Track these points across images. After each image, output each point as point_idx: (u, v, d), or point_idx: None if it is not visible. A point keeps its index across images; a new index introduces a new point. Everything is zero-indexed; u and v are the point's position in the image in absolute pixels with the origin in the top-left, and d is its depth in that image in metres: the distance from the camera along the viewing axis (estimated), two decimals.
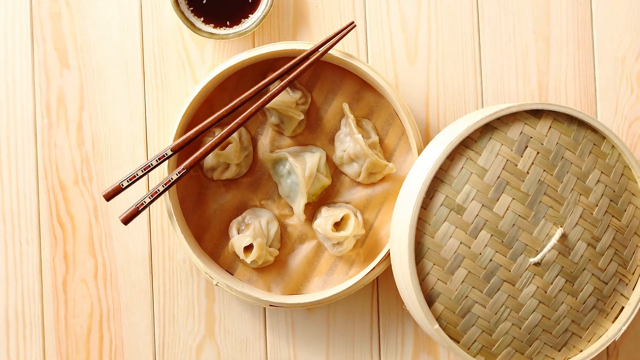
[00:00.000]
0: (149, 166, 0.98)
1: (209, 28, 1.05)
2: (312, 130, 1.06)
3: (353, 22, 1.01)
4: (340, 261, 1.06)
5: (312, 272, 1.06)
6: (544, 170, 0.94)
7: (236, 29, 1.05)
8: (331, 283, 1.05)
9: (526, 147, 0.94)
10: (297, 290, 1.05)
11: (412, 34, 1.08)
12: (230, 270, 1.05)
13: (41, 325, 1.08)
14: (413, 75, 1.09)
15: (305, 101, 1.05)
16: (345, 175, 1.06)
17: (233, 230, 1.04)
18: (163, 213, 1.08)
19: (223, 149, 1.02)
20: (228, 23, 1.05)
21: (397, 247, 0.96)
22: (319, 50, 1.01)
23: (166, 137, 1.08)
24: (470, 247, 0.94)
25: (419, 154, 1.01)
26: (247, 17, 1.05)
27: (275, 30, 1.09)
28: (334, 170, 1.06)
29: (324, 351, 1.08)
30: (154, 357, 1.08)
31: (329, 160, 1.06)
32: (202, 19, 1.05)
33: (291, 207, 1.05)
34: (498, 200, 0.94)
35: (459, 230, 0.94)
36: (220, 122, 1.02)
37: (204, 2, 1.05)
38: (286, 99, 1.02)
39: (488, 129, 0.95)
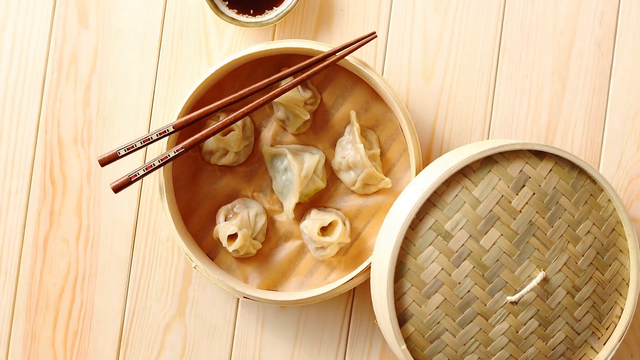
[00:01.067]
0: (149, 139, 0.98)
1: (232, 13, 1.05)
2: (316, 131, 1.06)
3: (374, 33, 1.01)
4: (321, 265, 1.06)
5: (291, 271, 1.06)
6: (537, 212, 0.94)
7: (258, 18, 1.05)
8: (308, 285, 1.05)
9: (523, 186, 0.94)
10: (274, 286, 1.05)
11: (432, 53, 1.08)
12: (211, 255, 1.05)
13: (16, 276, 1.08)
14: (425, 94, 1.09)
15: (315, 102, 1.05)
16: (341, 181, 1.06)
17: (220, 217, 1.04)
18: (155, 188, 1.08)
19: (225, 134, 1.02)
20: (252, 11, 1.05)
21: (378, 262, 0.96)
22: (336, 54, 1.00)
23: (171, 114, 1.08)
24: (450, 275, 0.94)
25: (416, 173, 1.01)
26: (271, 8, 1.05)
27: (297, 27, 1.08)
28: (331, 174, 1.06)
29: (289, 351, 1.09)
30: (122, 327, 1.08)
31: (327, 164, 1.06)
32: (226, 2, 1.05)
33: (282, 204, 1.05)
34: (486, 233, 0.94)
35: (442, 256, 0.94)
36: (226, 108, 1.02)
37: None
38: (296, 96, 1.02)
39: (489, 161, 0.94)
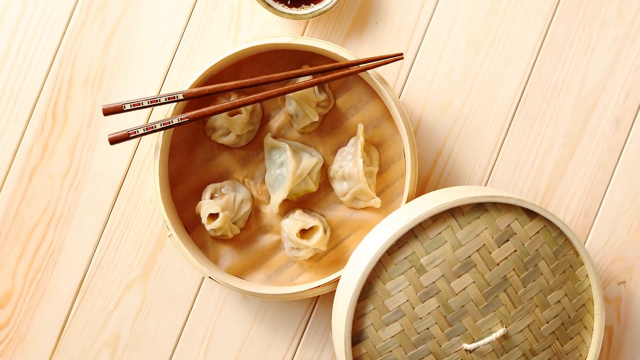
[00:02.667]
0: (156, 101, 0.98)
1: (278, 6, 1.04)
2: (321, 134, 1.06)
3: (402, 55, 1.01)
4: (292, 265, 1.06)
5: (262, 264, 1.06)
6: (514, 269, 0.94)
7: (294, 11, 1.05)
8: (275, 281, 1.05)
9: (507, 240, 0.94)
10: (242, 274, 1.05)
11: (453, 87, 1.08)
12: (188, 228, 1.05)
13: None
14: (436, 124, 1.08)
15: (327, 105, 1.04)
16: (333, 189, 1.06)
17: (207, 194, 1.04)
18: (150, 149, 1.08)
19: (232, 115, 1.02)
20: (289, 2, 1.05)
21: (348, 277, 0.96)
22: (359, 65, 1.00)
23: (184, 81, 1.08)
24: (414, 308, 0.94)
25: (408, 200, 1.01)
26: (309, 4, 1.05)
27: (329, 28, 1.08)
28: (324, 180, 1.06)
29: (239, 341, 1.09)
30: (84, 274, 1.08)
31: (323, 168, 1.05)
32: None
33: (269, 196, 1.05)
34: (459, 277, 0.94)
35: (411, 288, 0.94)
36: (240, 90, 1.02)
37: None
38: (310, 96, 1.02)
39: (480, 207, 0.94)
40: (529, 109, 1.09)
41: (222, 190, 1.04)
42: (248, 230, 1.06)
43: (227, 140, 1.04)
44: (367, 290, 0.94)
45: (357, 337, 0.95)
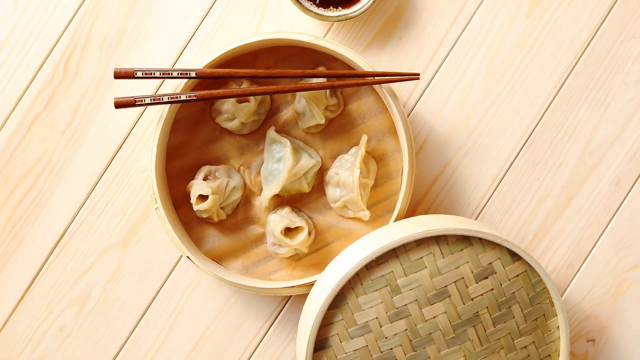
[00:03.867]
0: (169, 74, 0.98)
1: (307, 3, 1.04)
2: (324, 137, 1.06)
3: (418, 75, 1.01)
4: (271, 260, 1.06)
5: (241, 253, 1.06)
6: (487, 307, 0.94)
7: (320, 11, 1.04)
8: (251, 273, 1.05)
9: (486, 277, 0.94)
10: (220, 259, 1.05)
11: (463, 116, 1.08)
12: (176, 204, 1.05)
13: None
14: (440, 149, 1.08)
15: (335, 110, 1.04)
16: (325, 194, 1.06)
17: (201, 174, 1.04)
18: (153, 120, 1.08)
19: (240, 102, 1.02)
20: (317, 1, 1.05)
21: (322, 283, 0.96)
22: (374, 77, 1.00)
23: (200, 60, 1.08)
24: (381, 327, 0.94)
25: (397, 219, 1.01)
26: (337, 7, 1.05)
27: (352, 35, 1.08)
28: (319, 183, 1.06)
29: (204, 325, 1.09)
30: (65, 230, 1.08)
31: (320, 171, 1.05)
32: None
33: (261, 188, 1.05)
34: (432, 305, 0.94)
35: (382, 306, 0.93)
36: (252, 79, 1.02)
37: None
38: (321, 97, 1.02)
39: (466, 240, 0.94)
40: (534, 152, 1.08)
41: (217, 173, 1.04)
42: (234, 218, 1.06)
43: (231, 125, 1.04)
44: (339, 300, 0.94)
45: (320, 344, 0.95)
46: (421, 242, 0.94)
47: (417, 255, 0.94)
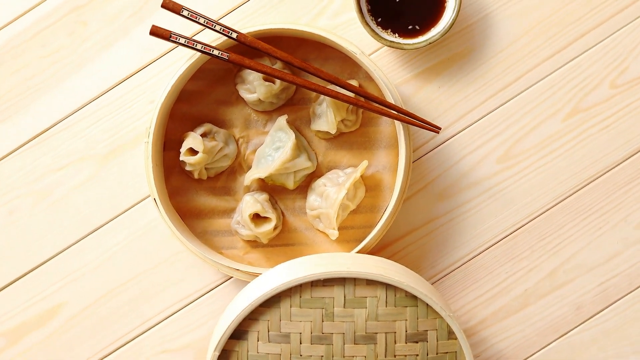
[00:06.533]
0: (212, 26, 0.98)
1: (368, 16, 1.03)
2: (328, 146, 1.06)
3: (439, 129, 1.01)
4: (230, 236, 1.06)
5: (206, 218, 1.05)
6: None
7: (377, 29, 1.04)
8: (206, 240, 1.05)
9: (417, 342, 0.94)
10: (184, 214, 1.05)
11: (466, 183, 1.08)
12: (166, 146, 1.05)
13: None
14: (429, 205, 1.08)
15: (350, 126, 1.04)
16: (305, 198, 1.06)
17: (201, 129, 1.03)
18: (180, 59, 1.07)
19: (266, 80, 1.02)
20: (379, 19, 1.04)
21: (264, 280, 0.96)
22: (398, 113, 1.00)
23: (247, 25, 1.07)
24: (301, 344, 0.94)
25: (359, 251, 1.01)
26: (395, 33, 1.04)
27: (398, 63, 1.08)
28: (304, 185, 1.05)
29: (141, 269, 1.08)
30: (54, 124, 1.07)
31: (311, 175, 1.05)
32: (370, 7, 1.04)
33: (250, 167, 1.05)
34: (356, 345, 0.94)
35: (310, 325, 0.94)
36: (287, 64, 1.01)
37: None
38: (341, 108, 1.02)
39: (415, 299, 0.94)
40: (514, 247, 1.08)
41: (216, 135, 1.04)
42: (214, 182, 1.06)
43: (249, 97, 1.03)
44: (274, 302, 0.94)
45: (239, 333, 0.95)
46: (372, 283, 0.94)
47: (363, 293, 0.94)
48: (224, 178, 1.06)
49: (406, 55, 1.08)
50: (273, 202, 1.06)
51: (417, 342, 0.94)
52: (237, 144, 1.06)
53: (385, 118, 1.04)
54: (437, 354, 0.95)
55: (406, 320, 0.94)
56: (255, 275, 1.02)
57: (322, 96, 1.04)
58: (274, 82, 1.02)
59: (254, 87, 1.02)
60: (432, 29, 1.04)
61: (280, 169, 1.01)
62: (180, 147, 1.03)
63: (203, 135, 1.03)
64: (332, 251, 1.05)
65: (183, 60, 1.06)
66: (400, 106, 1.01)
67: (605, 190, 1.08)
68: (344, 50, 1.01)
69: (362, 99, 1.01)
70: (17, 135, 1.08)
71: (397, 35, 1.04)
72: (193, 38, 0.98)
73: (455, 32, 1.07)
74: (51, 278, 1.08)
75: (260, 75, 1.01)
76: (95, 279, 1.08)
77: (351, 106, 1.03)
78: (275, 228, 1.03)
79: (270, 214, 1.02)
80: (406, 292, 0.94)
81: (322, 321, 0.94)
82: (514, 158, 1.08)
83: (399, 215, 1.07)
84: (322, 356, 0.94)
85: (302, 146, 1.04)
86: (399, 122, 1.01)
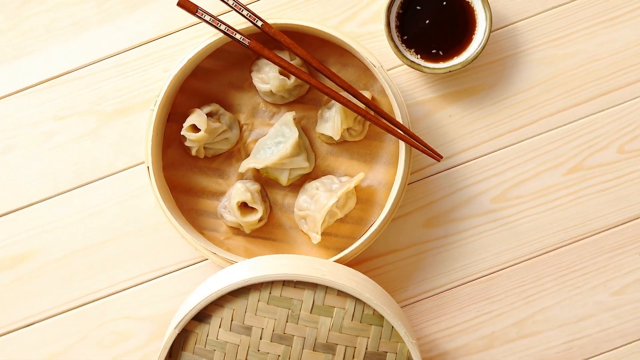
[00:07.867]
0: (239, 10, 0.98)
1: (396, 36, 1.03)
2: (330, 151, 1.06)
3: (441, 158, 1.01)
4: (214, 219, 1.06)
5: (194, 196, 1.06)
6: None
7: (401, 47, 1.04)
8: (190, 218, 1.05)
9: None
10: (174, 187, 1.05)
11: (457, 215, 1.08)
12: (170, 117, 1.05)
13: None
14: (416, 230, 1.08)
15: (355, 136, 1.04)
16: (295, 197, 1.06)
17: (208, 108, 1.03)
18: (201, 37, 1.07)
19: (281, 74, 1.02)
20: (405, 37, 1.04)
21: (237, 269, 0.96)
22: (404, 133, 1.00)
23: (273, 15, 1.07)
24: (261, 339, 0.94)
25: (337, 260, 1.01)
26: (418, 54, 1.04)
27: (414, 84, 1.07)
28: (298, 184, 1.06)
29: (121, 232, 1.08)
30: (66, 72, 1.08)
31: (306, 175, 1.05)
32: (398, 23, 1.04)
33: (248, 155, 1.05)
34: (314, 352, 0.94)
35: (273, 322, 0.94)
36: (305, 62, 1.01)
37: (421, 24, 1.04)
38: (349, 116, 1.02)
39: (381, 319, 0.94)
40: (488, 289, 1.08)
41: (221, 117, 1.04)
42: (210, 162, 1.06)
43: (261, 87, 1.03)
44: (242, 292, 0.95)
45: (202, 316, 0.95)
46: (343, 294, 0.94)
47: (332, 303, 0.94)
48: (220, 160, 1.06)
49: (424, 77, 1.07)
50: (263, 194, 1.06)
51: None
52: (241, 130, 1.06)
53: (390, 135, 1.04)
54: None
55: (369, 338, 0.94)
56: (231, 262, 1.02)
57: (332, 101, 1.04)
58: (288, 77, 1.02)
59: (269, 78, 1.02)
60: (456, 57, 1.04)
61: (277, 164, 1.01)
62: (184, 121, 1.03)
63: (209, 114, 1.03)
64: (312, 255, 1.05)
65: (204, 37, 1.06)
66: (407, 127, 1.01)
67: (591, 251, 1.08)
68: (364, 60, 1.01)
69: (371, 112, 1.01)
70: (28, 75, 1.08)
71: (419, 56, 1.04)
72: (218, 17, 0.98)
73: (477, 65, 1.07)
74: (31, 222, 1.08)
75: (277, 67, 1.01)
76: (74, 233, 1.08)
77: (359, 116, 1.03)
78: (260, 220, 1.04)
79: (258, 206, 1.02)
80: (374, 310, 0.94)
81: (287, 322, 0.94)
82: (508, 201, 1.08)
83: (384, 232, 1.08)
84: (279, 356, 0.94)
85: (303, 145, 1.04)
86: (402, 142, 1.01)
